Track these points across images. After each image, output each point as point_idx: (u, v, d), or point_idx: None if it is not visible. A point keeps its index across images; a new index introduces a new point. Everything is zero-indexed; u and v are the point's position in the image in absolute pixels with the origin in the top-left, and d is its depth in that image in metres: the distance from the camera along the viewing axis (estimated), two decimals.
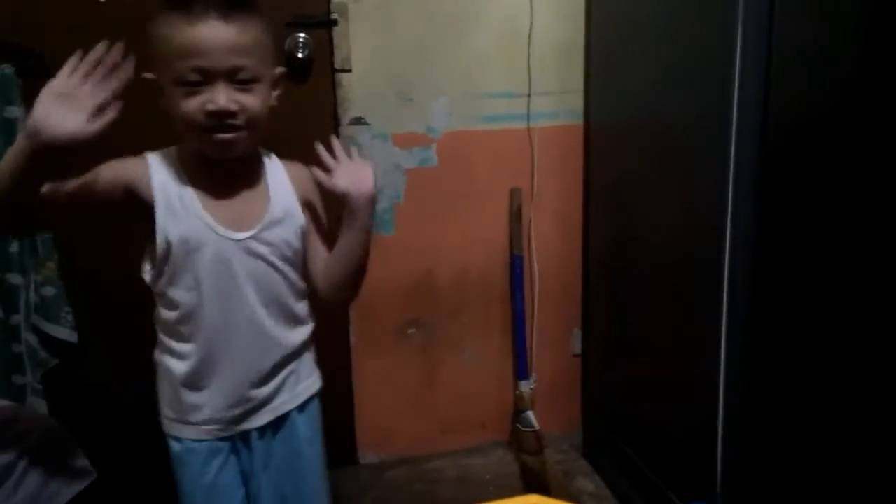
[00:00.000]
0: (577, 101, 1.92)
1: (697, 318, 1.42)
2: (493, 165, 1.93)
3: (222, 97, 0.96)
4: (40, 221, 1.06)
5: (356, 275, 1.14)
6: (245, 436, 1.12)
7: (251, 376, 1.09)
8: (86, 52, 0.86)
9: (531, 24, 1.86)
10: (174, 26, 0.94)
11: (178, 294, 1.05)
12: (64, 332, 1.66)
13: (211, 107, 0.96)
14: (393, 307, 1.94)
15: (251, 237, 1.05)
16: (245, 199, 1.07)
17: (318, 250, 1.15)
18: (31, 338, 1.64)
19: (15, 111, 1.53)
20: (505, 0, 1.85)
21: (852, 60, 1.06)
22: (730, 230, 1.29)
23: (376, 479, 1.94)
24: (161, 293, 1.06)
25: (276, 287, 1.09)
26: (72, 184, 0.96)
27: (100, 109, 0.86)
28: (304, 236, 1.12)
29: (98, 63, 0.86)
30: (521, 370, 2.01)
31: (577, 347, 2.07)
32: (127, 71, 0.87)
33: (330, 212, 1.18)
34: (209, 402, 1.08)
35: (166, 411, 1.12)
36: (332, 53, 1.76)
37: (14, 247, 1.59)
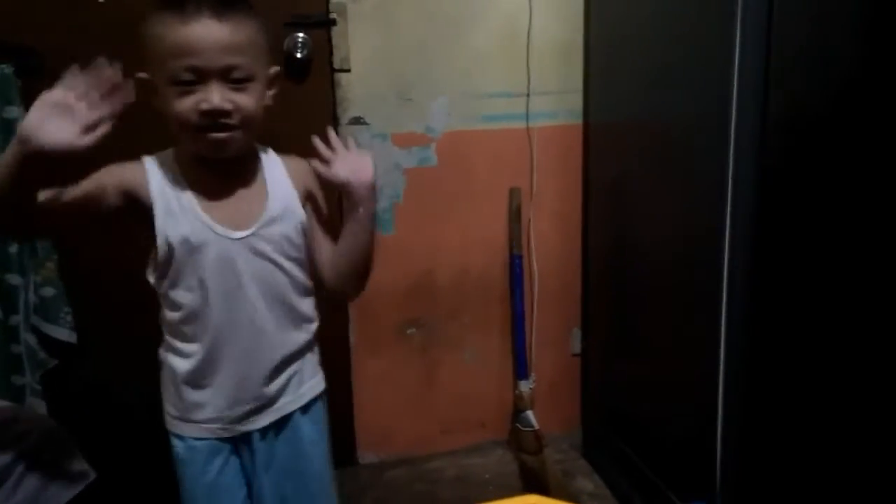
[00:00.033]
0: (577, 101, 1.92)
1: (697, 317, 1.42)
2: (493, 165, 1.93)
3: (216, 96, 0.95)
4: (39, 228, 1.07)
5: (363, 265, 1.14)
6: (247, 436, 1.12)
7: (254, 376, 1.09)
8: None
9: (530, 23, 1.86)
10: (167, 25, 0.94)
11: (181, 295, 1.05)
12: (63, 333, 1.66)
13: (205, 106, 0.95)
14: (392, 307, 1.94)
15: (251, 235, 1.05)
16: (243, 197, 1.07)
17: (323, 243, 1.14)
18: (30, 338, 1.64)
19: (14, 111, 1.53)
20: (504, 0, 1.84)
21: (851, 60, 1.06)
22: (729, 230, 1.29)
23: (376, 478, 1.94)
24: (164, 294, 1.07)
25: (280, 285, 1.08)
26: (69, 191, 0.96)
27: (94, 125, 0.85)
28: (307, 230, 1.11)
29: (98, 80, 0.85)
30: (521, 370, 2.01)
31: (576, 347, 2.07)
32: (128, 95, 0.87)
33: (332, 204, 1.18)
34: (211, 400, 1.08)
35: (169, 409, 1.12)
36: (331, 53, 1.76)
37: (13, 247, 1.59)
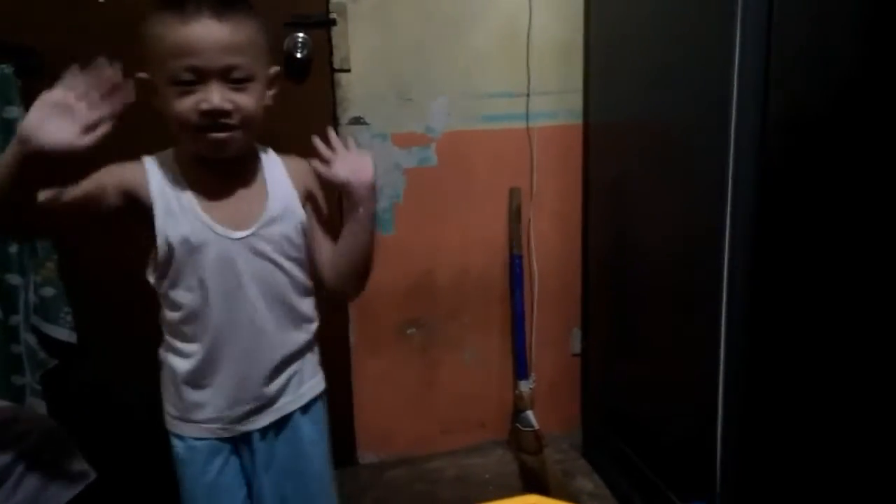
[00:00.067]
0: (577, 101, 1.92)
1: (697, 317, 1.42)
2: (493, 165, 1.93)
3: (216, 96, 0.95)
4: (38, 228, 1.07)
5: (363, 265, 1.14)
6: (247, 436, 1.11)
7: (254, 376, 1.09)
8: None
9: (530, 23, 1.86)
10: (167, 25, 0.94)
11: (181, 295, 1.05)
12: (63, 333, 1.66)
13: (205, 106, 0.95)
14: (392, 307, 1.94)
15: (251, 235, 1.05)
16: (243, 197, 1.07)
17: (323, 242, 1.14)
18: (30, 338, 1.64)
19: (14, 111, 1.53)
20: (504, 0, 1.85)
21: (850, 60, 1.06)
22: (729, 230, 1.29)
23: (376, 479, 1.94)
24: (164, 294, 1.07)
25: (280, 285, 1.08)
26: (69, 191, 0.96)
27: (93, 125, 0.85)
28: (308, 230, 1.11)
29: (98, 80, 0.86)
30: (521, 370, 2.01)
31: (576, 347, 2.07)
32: (128, 95, 0.87)
33: (332, 204, 1.18)
34: (211, 400, 1.08)
35: (169, 409, 1.12)
36: (331, 53, 1.76)
37: (13, 247, 1.59)
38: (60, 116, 0.84)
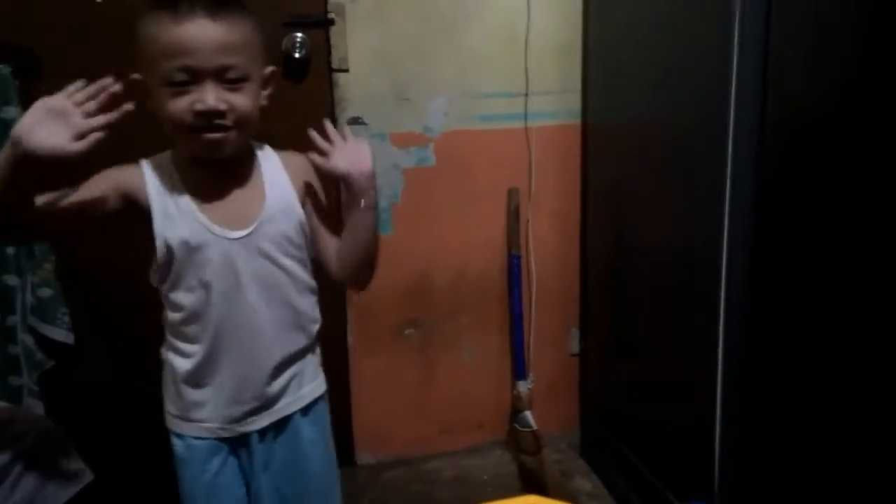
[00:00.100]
0: (575, 101, 1.92)
1: (695, 317, 1.42)
2: (491, 165, 1.92)
3: (211, 97, 0.95)
4: (36, 232, 1.07)
5: (369, 256, 1.13)
6: (246, 437, 1.11)
7: (254, 376, 1.08)
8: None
9: (529, 23, 1.86)
10: (160, 25, 0.93)
11: (182, 296, 1.05)
12: (60, 334, 1.65)
13: (199, 107, 0.95)
14: (391, 307, 1.94)
15: (249, 235, 1.04)
16: (241, 197, 1.06)
17: (327, 237, 1.14)
18: (27, 339, 1.64)
19: (12, 111, 1.52)
20: (502, 0, 1.84)
21: (849, 61, 1.06)
22: (728, 230, 1.29)
23: (374, 479, 1.94)
24: (166, 296, 1.07)
25: (281, 285, 1.08)
26: (67, 196, 0.96)
27: (87, 133, 0.86)
28: (310, 227, 1.11)
29: (99, 91, 0.87)
30: (519, 370, 2.00)
31: (575, 347, 2.07)
32: (126, 106, 0.88)
33: (332, 198, 1.17)
34: (210, 400, 1.08)
35: (169, 408, 1.12)
36: (329, 53, 1.76)
37: (10, 248, 1.58)
38: (54, 122, 0.85)
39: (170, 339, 1.10)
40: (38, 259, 1.62)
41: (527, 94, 1.89)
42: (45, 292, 1.62)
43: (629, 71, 1.67)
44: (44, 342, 1.65)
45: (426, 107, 1.85)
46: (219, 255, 1.03)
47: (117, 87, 0.88)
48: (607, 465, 1.90)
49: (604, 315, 1.93)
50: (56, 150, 0.85)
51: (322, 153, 1.09)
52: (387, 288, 1.90)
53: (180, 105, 0.95)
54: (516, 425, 2.00)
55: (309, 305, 1.13)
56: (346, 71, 1.78)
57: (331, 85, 1.78)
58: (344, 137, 1.11)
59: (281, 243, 1.07)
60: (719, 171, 1.28)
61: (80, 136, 0.86)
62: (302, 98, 1.71)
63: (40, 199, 0.92)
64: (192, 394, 1.08)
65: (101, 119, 0.87)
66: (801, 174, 1.16)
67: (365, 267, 1.14)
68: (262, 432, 1.12)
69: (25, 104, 0.88)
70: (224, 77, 0.96)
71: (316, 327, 1.16)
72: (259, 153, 1.11)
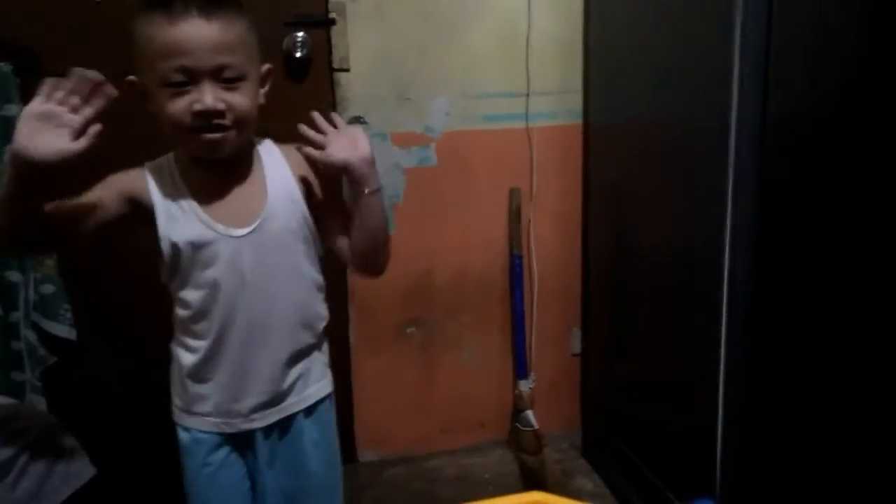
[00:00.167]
0: (576, 101, 1.92)
1: (697, 317, 1.42)
2: (492, 165, 1.93)
3: (209, 97, 0.95)
4: (49, 243, 1.08)
5: (381, 240, 1.11)
6: (250, 434, 1.12)
7: (258, 373, 1.09)
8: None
9: (530, 23, 1.86)
10: (155, 26, 0.93)
11: (190, 294, 1.05)
12: (63, 330, 1.66)
13: (198, 107, 0.95)
14: (392, 306, 1.94)
15: (253, 231, 1.04)
16: (243, 194, 1.06)
17: (338, 228, 1.12)
18: (30, 335, 1.64)
19: (13, 109, 1.53)
20: (503, 0, 1.85)
21: (851, 60, 1.06)
22: (729, 230, 1.29)
23: (375, 477, 1.94)
24: (174, 293, 1.08)
25: (287, 282, 1.08)
26: (76, 206, 0.98)
27: (83, 128, 0.87)
28: (318, 220, 1.10)
29: (77, 85, 0.87)
30: (521, 369, 2.01)
31: (576, 347, 2.07)
32: (108, 91, 0.88)
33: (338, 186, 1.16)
34: (213, 395, 1.09)
35: (176, 401, 1.13)
36: (330, 53, 1.76)
37: None
38: (47, 127, 0.85)
39: (178, 334, 1.11)
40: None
41: (528, 95, 1.90)
42: (48, 288, 1.63)
43: (630, 71, 1.67)
44: (46, 338, 1.66)
45: (427, 106, 1.86)
46: (224, 253, 1.03)
47: (92, 75, 0.88)
48: (608, 464, 1.90)
49: (605, 315, 1.93)
50: (61, 153, 0.86)
51: (317, 146, 1.07)
52: (389, 287, 1.90)
53: (179, 106, 0.95)
54: (517, 424, 2.00)
55: (316, 302, 1.13)
56: (348, 70, 1.78)
57: (332, 84, 1.79)
58: (335, 125, 1.09)
59: (285, 238, 1.07)
60: (721, 171, 1.28)
61: (79, 133, 0.87)
62: (303, 98, 1.72)
63: (49, 210, 0.94)
64: (197, 388, 1.09)
65: (89, 110, 0.88)
66: (803, 174, 1.16)
67: (381, 252, 1.13)
68: (267, 430, 1.12)
69: (26, 102, 0.88)
70: (221, 76, 0.96)
71: (322, 324, 1.15)
72: (261, 149, 1.10)
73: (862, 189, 1.05)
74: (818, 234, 1.14)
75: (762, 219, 1.25)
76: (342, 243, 1.13)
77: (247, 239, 1.04)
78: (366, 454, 2.01)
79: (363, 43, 1.78)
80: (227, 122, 0.98)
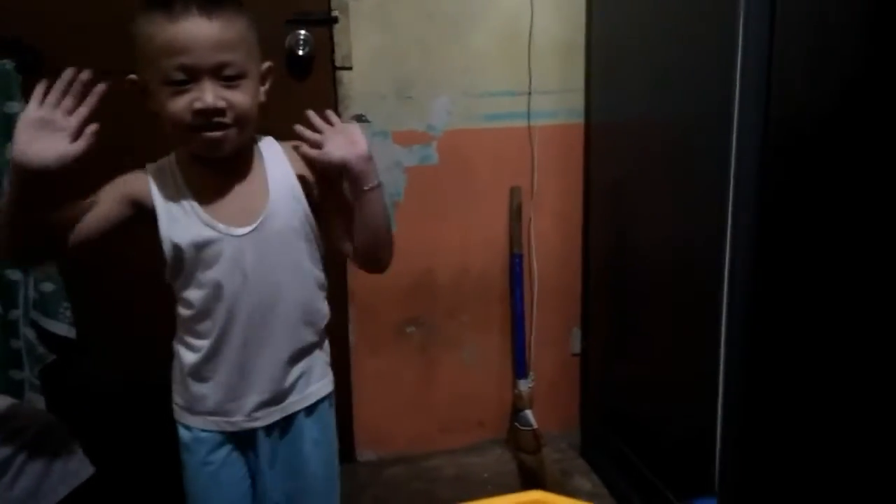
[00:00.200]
0: (578, 100, 1.92)
1: (697, 317, 1.42)
2: (494, 164, 1.93)
3: (209, 95, 0.94)
4: (52, 254, 1.08)
5: (383, 236, 1.11)
6: (252, 433, 1.12)
7: (260, 372, 1.08)
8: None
9: (532, 22, 1.86)
10: (156, 25, 0.93)
11: (193, 293, 1.05)
12: (62, 328, 1.66)
13: (198, 105, 0.94)
14: (392, 305, 1.94)
15: (255, 230, 1.04)
16: (244, 193, 1.06)
17: (341, 225, 1.12)
18: (29, 333, 1.64)
19: (15, 106, 1.53)
20: None
21: (853, 61, 1.06)
22: (730, 230, 1.29)
23: (374, 476, 1.94)
24: (178, 293, 1.08)
25: (289, 280, 1.08)
26: (79, 215, 0.98)
27: (80, 129, 0.88)
28: (321, 217, 1.10)
29: (68, 86, 0.88)
30: (520, 369, 2.00)
31: (576, 347, 2.07)
32: (99, 89, 0.89)
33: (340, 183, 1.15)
34: (215, 393, 1.09)
35: (177, 399, 1.13)
36: (332, 51, 1.76)
37: None
38: (44, 132, 0.86)
39: (180, 333, 1.11)
40: None
41: (529, 93, 1.89)
42: (48, 287, 1.63)
43: (632, 70, 1.67)
44: (46, 336, 1.66)
45: (429, 105, 1.85)
46: (226, 252, 1.03)
47: (83, 75, 0.89)
48: (607, 464, 1.90)
49: (605, 315, 1.93)
50: (61, 157, 0.86)
51: (314, 145, 1.06)
52: (388, 286, 1.90)
53: (179, 104, 0.95)
54: (517, 424, 2.00)
55: (317, 300, 1.13)
56: (350, 69, 1.78)
57: (334, 83, 1.78)
58: (330, 122, 1.08)
59: (287, 236, 1.07)
60: (722, 171, 1.28)
61: (76, 135, 0.87)
62: (305, 96, 1.71)
63: (53, 219, 0.94)
64: (198, 387, 1.09)
65: (83, 110, 0.88)
66: (804, 174, 1.16)
67: (383, 248, 1.12)
68: (269, 429, 1.12)
69: (28, 100, 0.88)
70: (222, 74, 0.95)
71: (324, 322, 1.15)
72: (262, 146, 1.10)
73: (862, 189, 1.05)
74: (818, 234, 1.14)
75: (762, 219, 1.25)
76: (345, 240, 1.12)
77: (249, 238, 1.04)
78: (365, 453, 2.01)
79: (365, 41, 1.78)
80: (227, 120, 0.97)
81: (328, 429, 1.19)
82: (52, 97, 0.87)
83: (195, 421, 1.11)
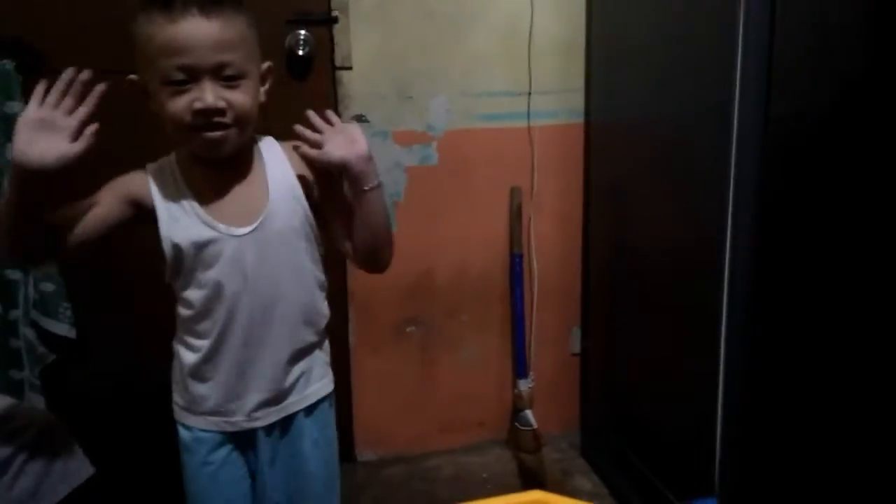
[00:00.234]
0: (578, 100, 1.92)
1: (697, 317, 1.42)
2: (494, 164, 1.93)
3: (209, 95, 0.94)
4: (54, 254, 1.07)
5: (383, 236, 1.11)
6: (252, 433, 1.12)
7: (260, 372, 1.08)
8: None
9: (532, 22, 1.86)
10: (156, 25, 0.93)
11: (193, 293, 1.05)
12: (62, 328, 1.66)
13: (198, 105, 0.94)
14: (392, 305, 1.94)
15: (255, 230, 1.04)
16: (245, 193, 1.06)
17: (341, 225, 1.11)
18: (29, 333, 1.64)
19: (15, 106, 1.53)
20: None
21: (853, 61, 1.06)
22: (730, 230, 1.29)
23: (373, 476, 1.94)
24: (178, 293, 1.08)
25: (290, 280, 1.08)
26: (80, 216, 0.98)
27: (80, 129, 0.88)
28: (322, 217, 1.10)
29: (68, 87, 0.88)
30: (520, 369, 2.00)
31: (576, 346, 2.07)
32: (99, 90, 0.89)
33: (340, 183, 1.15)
34: (215, 393, 1.08)
35: (177, 399, 1.13)
36: (332, 51, 1.76)
37: None
38: (44, 133, 0.87)
39: (180, 333, 1.11)
40: None
41: (529, 93, 1.89)
42: (48, 287, 1.63)
43: (632, 70, 1.67)
44: (46, 336, 1.66)
45: (429, 105, 1.85)
46: (226, 252, 1.03)
47: (83, 75, 0.89)
48: (607, 464, 1.90)
49: (605, 314, 1.93)
50: (61, 157, 0.87)
51: (314, 145, 1.05)
52: (388, 286, 1.90)
53: (179, 104, 0.95)
54: (516, 424, 2.00)
55: (317, 299, 1.13)
56: (350, 69, 1.78)
57: (334, 83, 1.79)
58: (330, 122, 1.07)
59: (287, 236, 1.07)
60: (722, 171, 1.28)
61: (76, 135, 0.88)
62: (305, 96, 1.71)
63: (54, 220, 0.95)
64: (199, 387, 1.09)
65: (83, 110, 0.89)
66: (804, 173, 1.16)
67: (383, 248, 1.12)
68: (269, 429, 1.12)
69: (29, 100, 0.88)
70: (222, 74, 0.95)
71: (324, 322, 1.15)
72: (262, 146, 1.10)
73: (863, 189, 1.05)
74: (818, 234, 1.14)
75: (762, 219, 1.25)
76: (345, 240, 1.12)
77: (249, 238, 1.04)
78: (364, 453, 2.01)
79: (365, 41, 1.78)
80: (227, 120, 0.97)
81: (328, 429, 1.19)
82: (51, 97, 0.88)
83: (195, 421, 1.11)
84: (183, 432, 1.12)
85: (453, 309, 1.99)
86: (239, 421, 1.10)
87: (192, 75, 0.94)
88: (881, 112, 1.01)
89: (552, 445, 2.02)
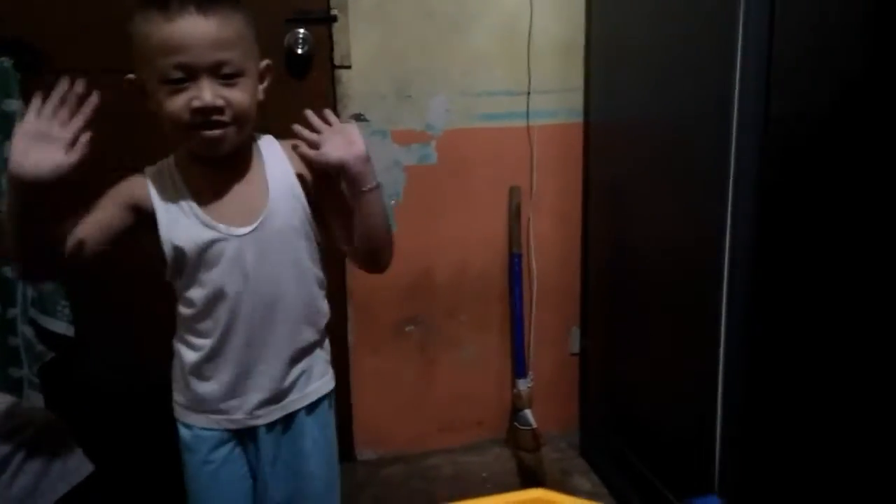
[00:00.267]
0: (577, 100, 1.92)
1: (696, 316, 1.42)
2: (493, 163, 1.92)
3: (207, 93, 0.94)
4: (60, 268, 1.07)
5: (382, 236, 1.10)
6: (253, 431, 1.12)
7: (261, 371, 1.08)
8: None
9: (531, 21, 1.86)
10: (153, 23, 0.93)
11: (195, 293, 1.05)
12: (61, 326, 1.66)
13: (196, 103, 0.94)
14: (391, 305, 1.94)
15: (255, 229, 1.04)
16: (244, 192, 1.06)
17: (341, 224, 1.11)
18: (27, 331, 1.64)
19: (13, 104, 1.52)
20: None
21: (853, 61, 1.06)
22: (730, 229, 1.29)
23: (373, 475, 1.94)
24: (179, 292, 1.08)
25: (290, 279, 1.08)
26: (84, 227, 0.99)
27: (74, 140, 0.88)
28: (322, 216, 1.10)
29: (64, 99, 0.89)
30: (519, 368, 2.00)
31: (575, 346, 2.07)
32: (94, 100, 0.89)
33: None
34: (216, 392, 1.09)
35: (178, 398, 1.13)
36: (331, 50, 1.76)
37: None
38: (40, 144, 0.87)
39: (181, 332, 1.11)
40: None
41: (529, 93, 1.89)
42: (46, 284, 1.63)
43: (632, 70, 1.67)
44: (44, 334, 1.66)
45: (428, 104, 1.85)
46: (227, 252, 1.03)
47: (78, 87, 0.89)
48: (607, 464, 1.90)
49: (605, 314, 1.93)
50: (56, 168, 0.87)
51: (312, 145, 1.05)
52: (387, 285, 1.90)
53: (178, 103, 0.95)
54: (516, 423, 2.00)
55: (318, 298, 1.13)
56: (349, 67, 1.78)
57: (333, 81, 1.78)
58: (328, 122, 1.07)
59: (288, 235, 1.07)
60: (722, 171, 1.28)
61: (71, 146, 0.88)
62: (304, 95, 1.71)
63: (59, 234, 0.95)
64: (199, 385, 1.09)
65: (79, 121, 0.89)
66: (804, 173, 1.16)
67: (383, 249, 1.12)
68: (270, 427, 1.12)
69: (27, 98, 0.88)
70: (220, 73, 0.95)
71: (325, 321, 1.15)
72: (261, 145, 1.10)
73: (863, 189, 1.05)
74: (818, 234, 1.14)
75: (762, 219, 1.25)
76: (344, 240, 1.12)
77: (249, 237, 1.04)
78: (364, 452, 2.01)
79: (365, 40, 1.78)
80: (226, 118, 0.97)
81: (328, 428, 1.19)
82: (47, 109, 0.88)
83: (196, 419, 1.11)
84: (183, 431, 1.12)
85: (452, 308, 1.99)
86: (240, 419, 1.10)
87: (190, 74, 0.94)
88: (881, 112, 1.01)
89: (551, 445, 2.02)
